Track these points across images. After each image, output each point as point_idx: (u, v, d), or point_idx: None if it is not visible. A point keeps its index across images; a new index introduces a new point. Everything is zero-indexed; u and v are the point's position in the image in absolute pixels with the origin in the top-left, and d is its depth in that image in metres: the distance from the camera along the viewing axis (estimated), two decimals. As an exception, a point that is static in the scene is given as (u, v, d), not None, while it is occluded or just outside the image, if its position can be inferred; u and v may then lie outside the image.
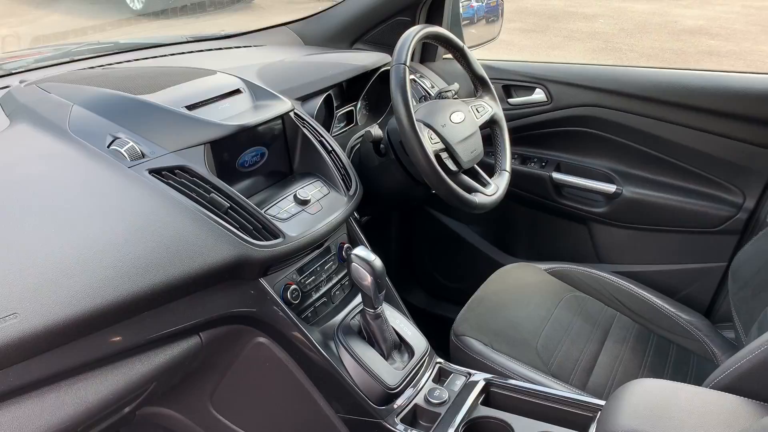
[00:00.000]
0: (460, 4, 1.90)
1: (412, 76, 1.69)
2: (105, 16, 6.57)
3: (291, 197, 1.16)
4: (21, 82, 1.27)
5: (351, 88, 1.57)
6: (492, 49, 2.04)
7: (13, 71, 1.40)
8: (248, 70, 1.36)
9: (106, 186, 0.98)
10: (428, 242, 2.04)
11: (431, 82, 1.73)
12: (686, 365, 1.40)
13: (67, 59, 1.51)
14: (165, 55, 1.58)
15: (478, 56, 1.81)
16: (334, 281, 1.24)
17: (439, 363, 1.27)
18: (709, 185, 1.60)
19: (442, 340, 1.42)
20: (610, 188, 1.70)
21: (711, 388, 0.95)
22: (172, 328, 0.97)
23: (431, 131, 1.33)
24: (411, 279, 2.08)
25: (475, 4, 2.05)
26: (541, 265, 1.61)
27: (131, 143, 1.02)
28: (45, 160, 1.00)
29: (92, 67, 1.44)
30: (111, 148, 1.02)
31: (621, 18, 8.02)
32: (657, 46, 6.84)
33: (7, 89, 1.21)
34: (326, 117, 1.48)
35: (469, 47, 1.87)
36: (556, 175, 1.76)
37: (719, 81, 1.55)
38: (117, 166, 1.00)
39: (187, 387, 1.19)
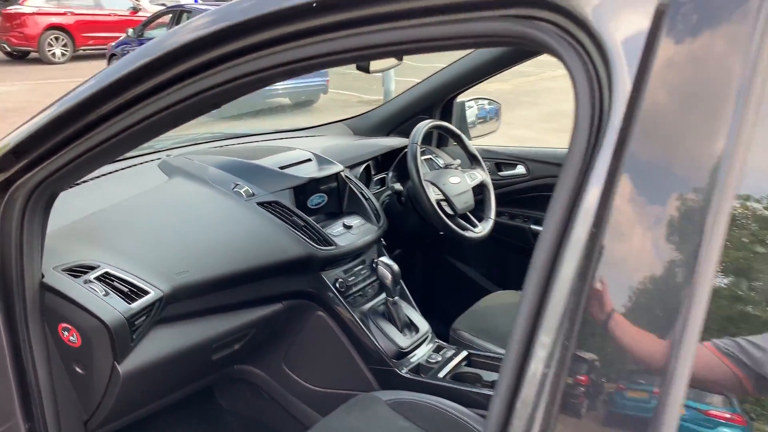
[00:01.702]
0: (476, 106, 2.62)
1: (429, 156, 2.36)
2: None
3: (341, 224, 1.82)
4: (167, 155, 1.99)
5: (385, 161, 2.25)
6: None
7: (160, 149, 2.13)
8: (316, 148, 2.06)
9: (231, 211, 1.66)
10: (445, 284, 2.64)
11: (443, 160, 2.39)
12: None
13: (192, 143, 2.24)
14: (257, 141, 2.31)
15: (488, 142, 2.50)
16: (367, 282, 1.86)
17: (438, 342, 1.86)
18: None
19: None
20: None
21: None
22: (267, 294, 1.62)
23: (435, 187, 1.99)
24: (433, 312, 2.67)
25: (488, 106, 2.77)
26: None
27: (246, 187, 1.71)
28: (196, 196, 1.69)
29: (212, 147, 2.17)
30: (234, 190, 1.70)
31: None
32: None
33: (160, 159, 1.93)
34: (366, 179, 2.15)
35: (478, 136, 2.57)
36: (534, 227, 2.36)
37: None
38: (238, 200, 1.68)
39: (268, 349, 1.81)
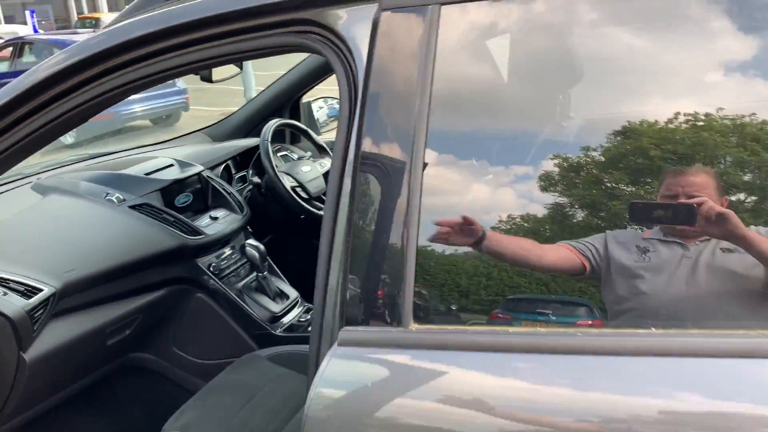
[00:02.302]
0: (326, 106, 2.96)
1: (285, 152, 2.66)
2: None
3: (208, 216, 2.09)
4: (38, 178, 2.16)
5: (244, 160, 2.53)
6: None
7: (28, 174, 2.29)
8: (177, 155, 2.30)
9: (106, 216, 1.88)
10: (313, 261, 2.95)
11: (297, 154, 2.71)
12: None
13: (59, 165, 2.41)
14: (122, 157, 2.51)
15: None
16: (239, 264, 2.14)
17: (308, 305, 2.17)
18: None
19: None
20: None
21: None
22: (149, 282, 1.86)
23: (289, 176, 2.30)
24: (305, 285, 2.97)
25: (336, 105, 3.13)
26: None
27: (117, 194, 1.93)
28: (72, 208, 1.90)
29: (79, 166, 2.35)
30: (106, 198, 1.93)
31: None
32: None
33: (32, 182, 2.10)
34: (229, 177, 2.43)
35: (330, 131, 2.91)
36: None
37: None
38: (112, 206, 1.90)
39: (158, 335, 2.04)
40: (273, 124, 2.32)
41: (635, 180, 0.94)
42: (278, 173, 2.23)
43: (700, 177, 0.90)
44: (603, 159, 0.96)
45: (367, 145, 0.96)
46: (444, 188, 0.98)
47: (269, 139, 2.26)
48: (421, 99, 0.93)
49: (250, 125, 2.75)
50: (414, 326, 0.93)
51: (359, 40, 0.99)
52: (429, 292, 0.96)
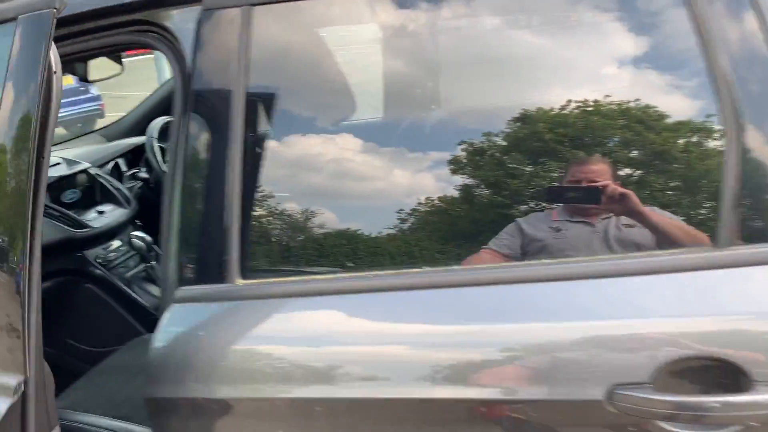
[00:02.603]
0: None
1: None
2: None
3: (95, 211, 2.19)
4: None
5: (136, 157, 2.62)
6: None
7: None
8: (68, 154, 2.38)
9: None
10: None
11: (190, 151, 2.81)
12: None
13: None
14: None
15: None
16: (127, 255, 2.24)
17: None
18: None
19: None
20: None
21: None
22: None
23: (180, 172, 2.41)
24: None
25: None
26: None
27: (1, 192, 2.00)
28: None
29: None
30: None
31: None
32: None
33: None
34: (119, 174, 2.51)
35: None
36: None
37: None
38: (-6, 203, 1.97)
39: (50, 327, 2.10)
40: (159, 121, 2.42)
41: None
42: (164, 168, 2.34)
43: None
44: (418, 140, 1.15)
45: (196, 127, 1.11)
46: (260, 164, 1.14)
47: (155, 136, 2.36)
48: (238, 87, 1.09)
49: (144, 124, 2.83)
50: (240, 282, 1.08)
51: (188, 36, 1.14)
52: (253, 252, 1.12)
